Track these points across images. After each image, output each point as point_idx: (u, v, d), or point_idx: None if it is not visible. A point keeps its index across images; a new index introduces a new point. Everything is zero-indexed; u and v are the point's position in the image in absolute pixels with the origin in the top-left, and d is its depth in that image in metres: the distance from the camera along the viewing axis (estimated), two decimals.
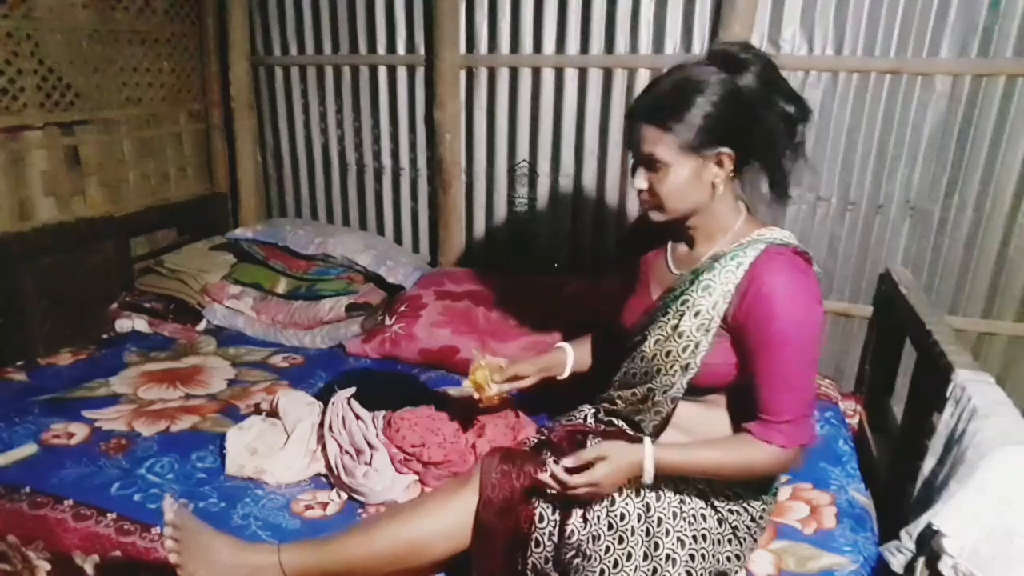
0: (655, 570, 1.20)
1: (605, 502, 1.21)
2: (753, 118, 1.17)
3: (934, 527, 1.14)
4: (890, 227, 2.18)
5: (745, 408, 1.23)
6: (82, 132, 2.48)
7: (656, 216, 1.26)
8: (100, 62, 2.49)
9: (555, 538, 1.22)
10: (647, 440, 1.21)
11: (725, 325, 1.21)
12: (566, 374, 1.54)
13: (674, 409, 1.29)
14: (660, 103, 1.18)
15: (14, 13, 2.20)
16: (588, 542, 1.20)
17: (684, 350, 1.23)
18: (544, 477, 1.19)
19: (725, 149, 1.18)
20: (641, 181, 1.23)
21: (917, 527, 1.20)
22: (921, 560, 1.19)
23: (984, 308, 2.16)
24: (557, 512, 1.22)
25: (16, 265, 2.27)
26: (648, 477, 1.19)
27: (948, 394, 1.34)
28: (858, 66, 2.08)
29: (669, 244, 1.37)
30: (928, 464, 1.34)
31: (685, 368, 1.24)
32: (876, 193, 2.17)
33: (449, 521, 1.25)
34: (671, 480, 1.24)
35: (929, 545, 1.16)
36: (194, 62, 2.89)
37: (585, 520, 1.21)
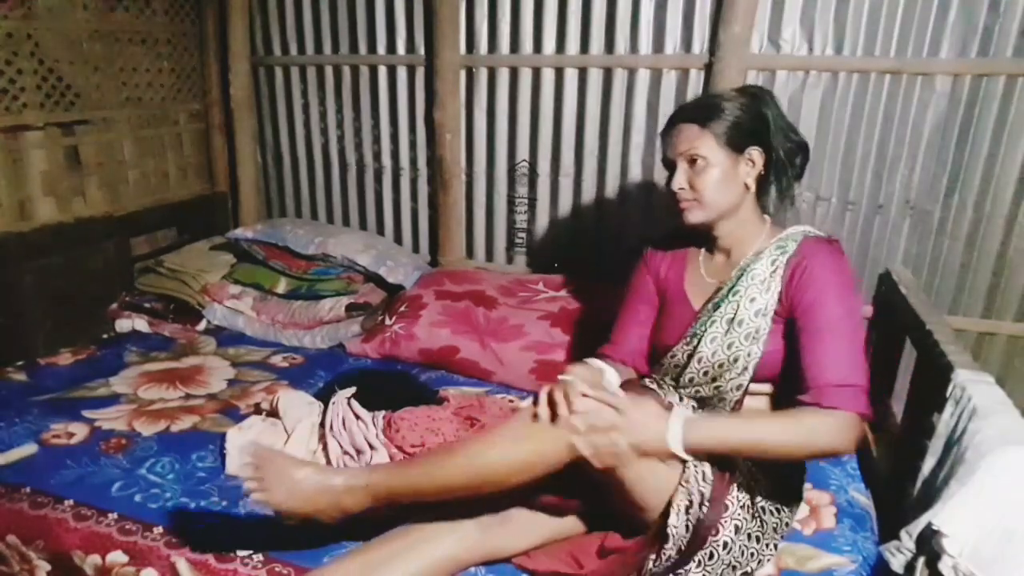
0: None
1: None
2: (771, 131, 1.34)
3: (934, 527, 1.14)
4: (890, 227, 2.18)
5: (792, 394, 1.22)
6: (82, 132, 2.47)
7: (695, 216, 1.36)
8: (100, 62, 2.49)
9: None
10: (677, 406, 1.20)
11: (779, 307, 1.29)
12: None
13: (742, 400, 1.32)
14: (698, 107, 1.36)
15: (14, 13, 2.20)
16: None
17: (746, 338, 1.30)
18: (557, 396, 1.16)
19: (755, 147, 1.33)
20: (681, 180, 1.34)
21: (917, 527, 1.20)
22: (921, 560, 1.19)
23: (984, 308, 2.16)
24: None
25: (16, 265, 2.26)
26: (675, 441, 1.12)
27: (948, 394, 1.34)
28: (858, 66, 2.07)
29: (701, 257, 1.47)
30: (928, 464, 1.34)
31: (749, 356, 1.29)
32: (876, 193, 2.17)
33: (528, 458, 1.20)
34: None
35: (929, 545, 1.16)
36: (194, 62, 2.89)
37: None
